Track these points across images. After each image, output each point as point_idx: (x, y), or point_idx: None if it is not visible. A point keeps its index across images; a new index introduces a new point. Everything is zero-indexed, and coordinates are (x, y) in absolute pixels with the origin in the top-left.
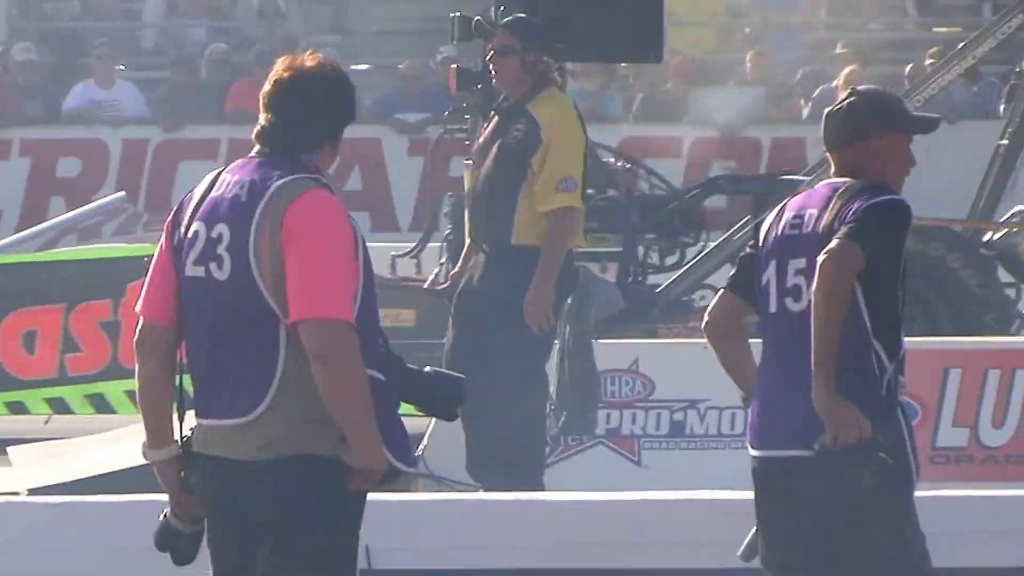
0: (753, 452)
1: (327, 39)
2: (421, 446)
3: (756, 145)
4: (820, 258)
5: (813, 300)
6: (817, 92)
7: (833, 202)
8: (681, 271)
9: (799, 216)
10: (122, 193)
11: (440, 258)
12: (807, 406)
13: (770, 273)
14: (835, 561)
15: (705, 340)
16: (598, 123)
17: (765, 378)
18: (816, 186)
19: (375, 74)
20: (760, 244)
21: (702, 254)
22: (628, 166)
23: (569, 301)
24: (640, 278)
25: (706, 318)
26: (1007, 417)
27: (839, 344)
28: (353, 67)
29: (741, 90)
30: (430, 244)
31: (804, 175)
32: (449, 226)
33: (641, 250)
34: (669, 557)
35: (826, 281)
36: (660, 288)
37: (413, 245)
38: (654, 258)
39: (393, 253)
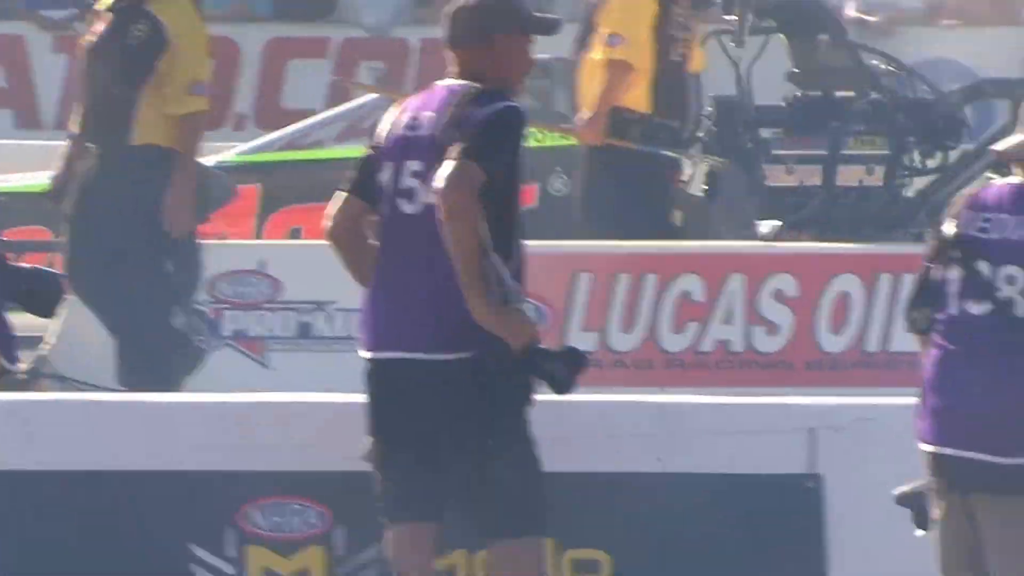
0: (369, 354)
1: None
2: (47, 345)
3: (404, 46)
4: (439, 184)
5: (444, 228)
6: None
7: (450, 106)
8: (944, 175)
9: (416, 118)
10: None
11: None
12: (426, 309)
13: (387, 175)
14: (452, 462)
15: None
16: (246, 22)
17: (380, 279)
18: (434, 87)
19: None
20: (378, 144)
21: (963, 157)
22: (892, 69)
23: None
24: (906, 181)
25: (327, 221)
26: (636, 322)
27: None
28: None
29: None
30: None
31: None
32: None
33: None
34: (291, 459)
35: (451, 208)
36: (925, 191)
37: None
38: (917, 161)
39: None
